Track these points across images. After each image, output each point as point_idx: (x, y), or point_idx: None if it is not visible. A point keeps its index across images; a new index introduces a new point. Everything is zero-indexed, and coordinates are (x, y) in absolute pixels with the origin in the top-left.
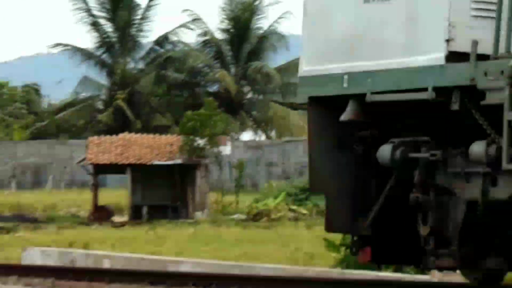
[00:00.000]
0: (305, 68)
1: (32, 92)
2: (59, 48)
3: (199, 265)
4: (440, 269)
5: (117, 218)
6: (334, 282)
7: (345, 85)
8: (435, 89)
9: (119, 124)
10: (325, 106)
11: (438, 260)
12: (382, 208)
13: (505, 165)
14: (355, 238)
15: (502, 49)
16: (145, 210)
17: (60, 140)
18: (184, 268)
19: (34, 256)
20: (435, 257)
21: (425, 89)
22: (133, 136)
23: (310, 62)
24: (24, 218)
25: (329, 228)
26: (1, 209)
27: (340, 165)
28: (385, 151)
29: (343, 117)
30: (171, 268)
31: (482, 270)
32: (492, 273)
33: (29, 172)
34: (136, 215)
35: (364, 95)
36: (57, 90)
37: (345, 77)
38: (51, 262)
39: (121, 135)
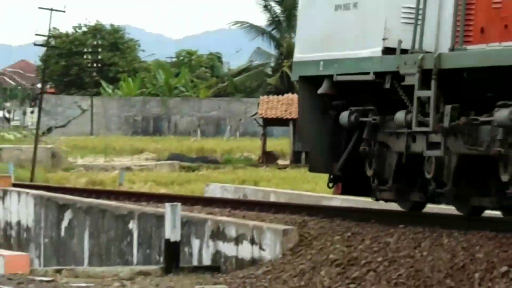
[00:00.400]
0: (297, 56)
1: (215, 59)
2: (238, 25)
3: (347, 201)
4: (383, 200)
5: (281, 162)
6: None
7: (321, 68)
8: (375, 73)
9: (285, 87)
10: (309, 83)
11: (380, 194)
12: (348, 156)
13: (414, 127)
14: (331, 177)
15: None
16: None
17: (237, 98)
18: (335, 203)
19: (214, 190)
20: (379, 191)
21: (369, 73)
22: (295, 96)
23: (300, 51)
24: (206, 160)
25: (312, 170)
26: (189, 152)
27: (320, 126)
28: (344, 117)
29: (320, 90)
30: (324, 203)
31: (411, 202)
32: (417, 205)
33: (211, 124)
34: (296, 160)
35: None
36: (235, 59)
37: (321, 62)
38: (228, 195)
39: (286, 95)
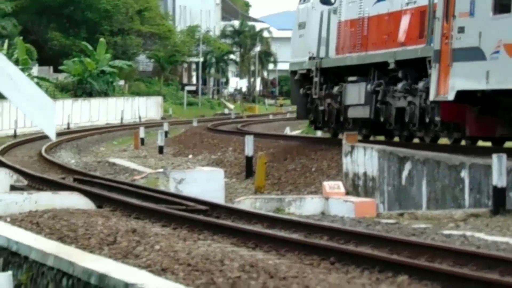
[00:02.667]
0: (291, 60)
1: None
2: None
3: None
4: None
5: None
6: None
7: (295, 67)
8: (308, 69)
9: None
10: (294, 74)
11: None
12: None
13: (313, 96)
14: (309, 120)
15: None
16: None
17: None
18: None
19: None
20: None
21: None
22: None
23: (291, 57)
24: None
25: (298, 118)
26: None
27: (300, 95)
28: (301, 91)
29: (295, 77)
30: None
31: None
32: (335, 132)
33: None
34: None
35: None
36: None
37: (296, 63)
38: None
39: None
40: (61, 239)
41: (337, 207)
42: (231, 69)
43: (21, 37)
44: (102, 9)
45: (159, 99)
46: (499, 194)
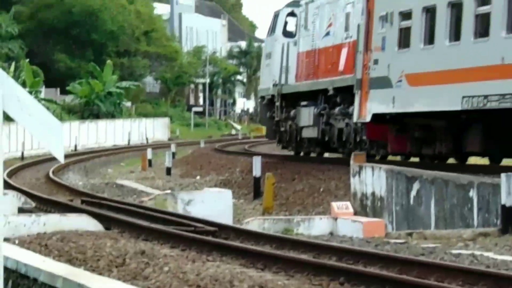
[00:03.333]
0: (260, 86)
1: None
2: None
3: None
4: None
5: None
6: None
7: (263, 93)
8: (272, 95)
9: None
10: (263, 98)
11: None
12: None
13: (276, 118)
14: (276, 140)
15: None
16: None
17: None
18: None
19: None
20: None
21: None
22: None
23: (261, 83)
24: None
25: (267, 137)
26: None
27: (270, 118)
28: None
29: (263, 102)
30: None
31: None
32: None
33: None
34: None
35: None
36: None
37: (263, 90)
38: None
39: None
40: (70, 261)
41: (345, 227)
42: (238, 90)
43: (27, 60)
44: (107, 30)
45: (166, 120)
46: (507, 213)
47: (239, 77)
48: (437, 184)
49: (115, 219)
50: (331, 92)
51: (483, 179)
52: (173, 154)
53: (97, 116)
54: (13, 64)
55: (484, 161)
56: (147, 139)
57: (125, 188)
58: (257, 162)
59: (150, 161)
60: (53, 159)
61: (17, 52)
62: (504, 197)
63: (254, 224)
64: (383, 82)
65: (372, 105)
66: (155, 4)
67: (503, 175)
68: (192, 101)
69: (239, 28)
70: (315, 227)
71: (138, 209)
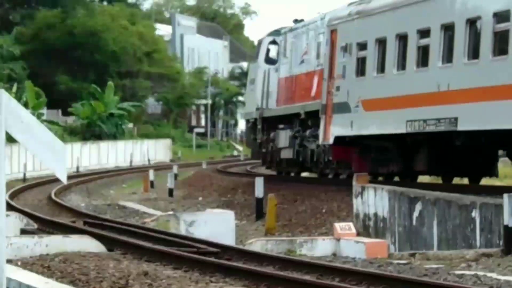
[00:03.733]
0: (245, 110)
1: None
2: None
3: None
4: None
5: None
6: None
7: (247, 116)
8: (255, 118)
9: None
10: (248, 122)
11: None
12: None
13: (258, 140)
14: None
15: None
16: None
17: None
18: None
19: None
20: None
21: (254, 118)
22: None
23: (246, 107)
24: None
25: (252, 158)
26: None
27: (253, 140)
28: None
29: (248, 125)
30: None
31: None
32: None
33: None
34: None
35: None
36: None
37: (247, 113)
38: None
39: None
40: (73, 282)
41: (348, 248)
42: (240, 111)
43: (30, 81)
44: (109, 51)
45: (168, 141)
46: (510, 233)
47: (241, 98)
48: (440, 204)
49: (117, 240)
50: (302, 116)
51: (485, 200)
52: (175, 176)
53: (99, 137)
54: (15, 85)
55: (433, 179)
56: (149, 160)
57: (127, 210)
58: (259, 183)
59: (152, 182)
60: (55, 180)
61: (19, 73)
62: (506, 217)
63: (257, 245)
64: (344, 107)
65: (335, 128)
66: (157, 25)
67: (505, 195)
68: (194, 122)
69: (241, 49)
70: (318, 248)
71: (141, 230)
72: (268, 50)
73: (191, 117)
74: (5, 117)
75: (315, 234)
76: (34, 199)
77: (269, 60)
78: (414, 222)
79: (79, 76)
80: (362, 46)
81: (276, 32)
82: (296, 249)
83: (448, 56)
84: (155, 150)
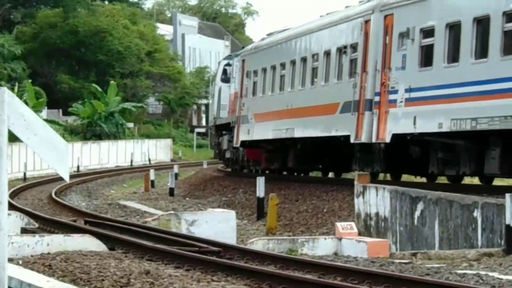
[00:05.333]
0: (210, 119)
1: None
2: None
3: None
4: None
5: None
6: None
7: (212, 122)
8: (211, 126)
9: None
10: (211, 128)
11: (234, 166)
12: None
13: (212, 144)
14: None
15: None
16: None
17: None
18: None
19: None
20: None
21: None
22: None
23: (210, 117)
24: None
25: (214, 157)
26: None
27: (219, 142)
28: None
29: (212, 131)
30: None
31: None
32: (237, 168)
33: None
34: None
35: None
36: None
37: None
38: None
39: None
40: (74, 281)
41: (350, 248)
42: None
43: (30, 80)
44: (114, 50)
45: (168, 141)
46: None
47: None
48: (441, 204)
49: (119, 239)
50: (232, 125)
51: (487, 200)
52: (176, 175)
53: (99, 137)
54: (16, 84)
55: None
56: (149, 160)
57: (128, 209)
58: (260, 182)
59: (153, 182)
60: (55, 180)
61: (20, 73)
62: (508, 217)
63: (259, 244)
64: (246, 119)
65: (241, 135)
66: (158, 25)
67: (507, 195)
68: (195, 122)
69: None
70: (319, 248)
71: (142, 230)
72: (224, 70)
73: (192, 117)
74: (8, 115)
75: (316, 234)
76: (34, 198)
77: (224, 79)
78: (415, 222)
79: (80, 76)
80: (255, 73)
81: (230, 57)
82: (298, 249)
83: (291, 83)
84: (155, 150)
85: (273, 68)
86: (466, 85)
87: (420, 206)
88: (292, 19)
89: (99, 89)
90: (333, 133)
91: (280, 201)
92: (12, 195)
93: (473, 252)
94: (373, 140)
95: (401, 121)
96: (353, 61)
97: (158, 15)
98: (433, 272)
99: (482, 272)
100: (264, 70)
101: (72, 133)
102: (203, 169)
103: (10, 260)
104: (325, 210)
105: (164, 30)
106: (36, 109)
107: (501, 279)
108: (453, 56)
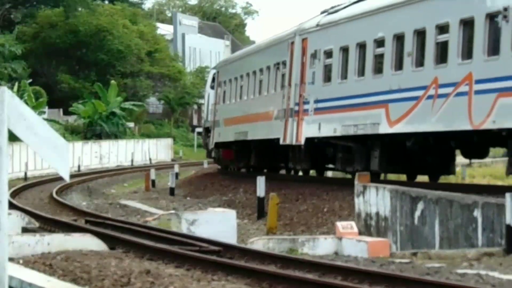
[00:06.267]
0: (202, 122)
1: None
2: None
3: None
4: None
5: None
6: None
7: (205, 124)
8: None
9: None
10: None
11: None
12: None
13: (202, 143)
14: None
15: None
16: None
17: None
18: None
19: None
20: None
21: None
22: None
23: (203, 120)
24: None
25: (207, 156)
26: None
27: (206, 142)
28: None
29: (203, 132)
30: None
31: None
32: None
33: None
34: None
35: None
36: None
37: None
38: None
39: None
40: (75, 280)
41: (350, 247)
42: None
43: (29, 81)
44: (114, 50)
45: (169, 141)
46: None
47: None
48: (442, 204)
49: (119, 238)
50: (210, 128)
51: (487, 199)
52: (177, 175)
53: (100, 136)
54: (16, 84)
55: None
56: (150, 159)
57: (128, 208)
58: (261, 182)
59: (153, 181)
60: (56, 179)
61: (20, 73)
62: (508, 217)
63: (259, 244)
64: (218, 123)
65: (215, 137)
66: (158, 25)
67: (507, 195)
68: (195, 122)
69: (243, 48)
70: (319, 247)
71: (142, 229)
72: (213, 78)
73: (193, 116)
74: (8, 115)
75: (317, 233)
76: (35, 198)
77: (212, 86)
78: (415, 222)
79: (80, 75)
80: (225, 83)
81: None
82: (298, 248)
83: (247, 93)
84: (156, 149)
85: (236, 79)
86: (352, 98)
87: (420, 206)
88: (292, 18)
89: (102, 88)
90: (270, 136)
91: (281, 201)
92: (13, 194)
93: (474, 252)
94: (294, 143)
95: (311, 127)
96: (283, 76)
97: (158, 14)
98: (433, 272)
99: (483, 272)
100: (230, 80)
101: (72, 133)
102: (203, 169)
103: (11, 259)
104: (325, 210)
105: (164, 30)
106: (37, 109)
107: (502, 278)
108: (344, 74)
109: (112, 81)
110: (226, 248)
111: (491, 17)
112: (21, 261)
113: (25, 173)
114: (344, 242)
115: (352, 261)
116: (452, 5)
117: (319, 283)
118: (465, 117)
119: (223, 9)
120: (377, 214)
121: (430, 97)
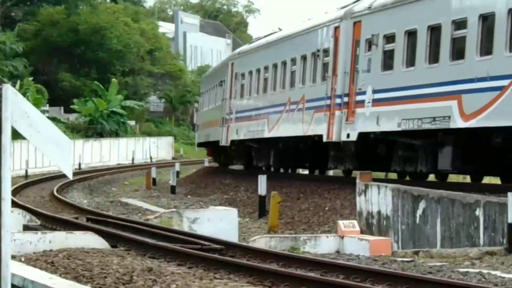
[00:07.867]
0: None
1: None
2: None
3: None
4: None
5: None
6: None
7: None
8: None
9: None
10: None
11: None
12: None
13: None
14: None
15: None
16: None
17: None
18: None
19: None
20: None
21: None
22: None
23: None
24: None
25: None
26: None
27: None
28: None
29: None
30: None
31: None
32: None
33: None
34: None
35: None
36: None
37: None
38: None
39: None
40: (77, 278)
41: (352, 246)
42: None
43: (30, 78)
44: (114, 48)
45: (170, 139)
46: None
47: None
48: (443, 203)
49: (121, 236)
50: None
51: (489, 198)
52: (178, 173)
53: (101, 134)
54: (18, 82)
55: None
56: (151, 158)
57: (130, 206)
58: (262, 180)
59: (154, 179)
60: (57, 177)
61: (21, 71)
62: (510, 216)
63: (261, 242)
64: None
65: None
66: (160, 23)
67: (510, 194)
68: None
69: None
70: (321, 246)
71: (144, 227)
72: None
73: (194, 115)
74: (11, 112)
75: (318, 232)
76: (36, 196)
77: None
78: (417, 220)
79: (81, 73)
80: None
81: None
82: (300, 247)
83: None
84: (157, 148)
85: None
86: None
87: (422, 205)
88: (293, 17)
89: (102, 86)
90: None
91: (282, 199)
92: (14, 192)
93: (475, 251)
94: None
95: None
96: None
97: (160, 13)
98: (435, 271)
99: (484, 271)
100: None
101: (73, 131)
102: (204, 167)
103: (13, 257)
104: (327, 208)
105: (166, 28)
106: (37, 107)
107: (503, 277)
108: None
109: (113, 79)
110: (228, 247)
111: None
112: (23, 259)
113: (26, 171)
114: (346, 241)
115: (354, 259)
116: None
117: (321, 281)
118: None
119: (224, 7)
120: (379, 212)
121: None
